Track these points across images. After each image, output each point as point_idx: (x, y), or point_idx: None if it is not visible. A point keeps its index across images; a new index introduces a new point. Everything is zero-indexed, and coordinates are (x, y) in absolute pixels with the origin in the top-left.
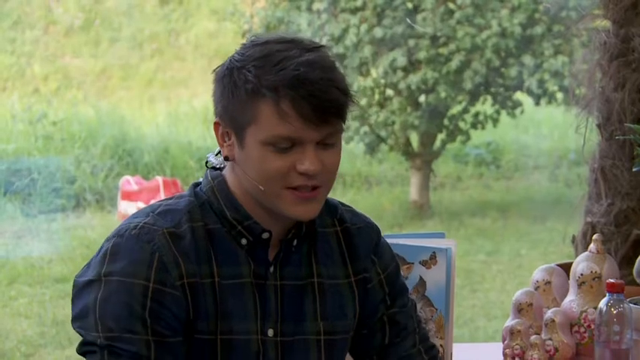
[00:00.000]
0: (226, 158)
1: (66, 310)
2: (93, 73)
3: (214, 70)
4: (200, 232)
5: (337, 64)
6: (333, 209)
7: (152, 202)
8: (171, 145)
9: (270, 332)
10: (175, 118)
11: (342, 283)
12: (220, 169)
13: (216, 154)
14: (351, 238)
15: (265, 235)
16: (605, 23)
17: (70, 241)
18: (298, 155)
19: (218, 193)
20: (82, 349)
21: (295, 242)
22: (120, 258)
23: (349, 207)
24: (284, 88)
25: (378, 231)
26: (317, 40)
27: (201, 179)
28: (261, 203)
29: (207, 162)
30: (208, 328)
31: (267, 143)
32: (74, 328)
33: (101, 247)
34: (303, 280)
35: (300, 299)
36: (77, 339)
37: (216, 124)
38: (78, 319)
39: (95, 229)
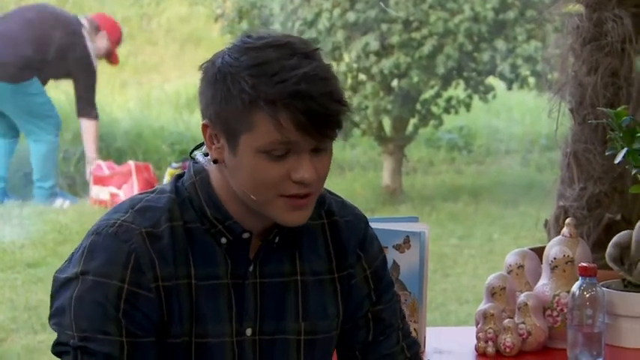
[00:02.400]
0: (215, 161)
1: (38, 295)
2: None
3: (202, 67)
4: (179, 232)
5: (333, 71)
6: (320, 200)
7: (124, 185)
8: (143, 129)
9: (249, 331)
10: (147, 102)
11: (325, 280)
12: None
13: (205, 154)
14: (339, 233)
15: (246, 235)
16: (578, 7)
17: (42, 226)
18: (293, 163)
19: (199, 189)
20: (55, 349)
21: (277, 239)
22: (96, 257)
23: (337, 197)
24: (283, 101)
25: (365, 222)
26: (310, 42)
27: (184, 171)
28: (245, 204)
29: (191, 152)
30: (182, 331)
31: (262, 151)
32: (50, 325)
33: (81, 243)
34: (285, 277)
35: (281, 297)
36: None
37: (204, 126)
38: (55, 317)
39: (67, 214)
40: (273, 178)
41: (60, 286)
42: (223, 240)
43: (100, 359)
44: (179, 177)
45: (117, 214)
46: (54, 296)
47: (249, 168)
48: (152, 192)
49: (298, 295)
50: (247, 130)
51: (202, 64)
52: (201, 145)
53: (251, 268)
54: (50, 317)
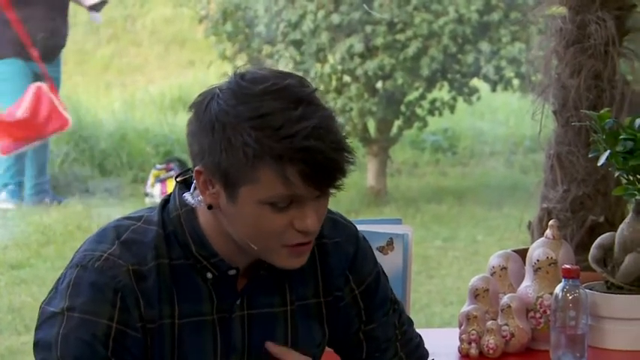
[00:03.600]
0: (210, 207)
1: (22, 297)
2: None
3: (192, 107)
4: (165, 271)
5: (335, 116)
6: None
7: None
8: (127, 131)
9: None
10: (132, 104)
11: (311, 304)
12: (188, 184)
13: (193, 193)
14: (326, 257)
15: (232, 272)
16: (562, 10)
17: (26, 227)
18: (296, 213)
19: (184, 223)
20: None
21: (266, 273)
22: (82, 292)
23: (331, 213)
24: (290, 157)
25: (356, 241)
26: (308, 82)
27: (169, 195)
28: (234, 243)
29: (177, 177)
30: None
31: (265, 203)
32: (35, 356)
33: (65, 274)
34: (274, 307)
35: (270, 329)
36: (34, 325)
37: (198, 172)
38: (40, 351)
39: (51, 215)
40: (277, 229)
41: (46, 319)
42: (209, 275)
43: None
44: (165, 203)
45: (102, 245)
46: (39, 328)
47: (251, 218)
48: (138, 219)
49: (287, 326)
50: (250, 182)
51: (192, 105)
52: (188, 170)
53: (238, 302)
54: (36, 348)
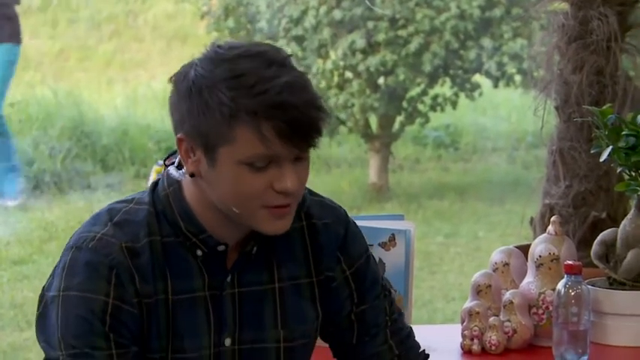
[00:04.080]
0: (192, 174)
1: (24, 293)
2: (51, 54)
3: (172, 79)
4: (157, 248)
5: (308, 79)
6: (301, 201)
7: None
8: (130, 127)
9: (228, 342)
10: (134, 100)
11: (303, 284)
12: (179, 167)
13: (177, 167)
14: (317, 236)
15: (221, 248)
16: (564, 5)
17: (28, 223)
18: (275, 173)
19: (173, 202)
20: None
21: (255, 250)
22: (78, 272)
23: (318, 197)
24: (265, 112)
25: (346, 223)
26: (282, 50)
27: (159, 176)
28: (220, 215)
29: (165, 160)
30: (160, 347)
31: (243, 163)
32: (39, 343)
33: (61, 258)
34: (263, 285)
35: (259, 306)
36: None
37: (179, 140)
38: (43, 335)
39: (53, 211)
40: (256, 190)
41: (47, 304)
42: (199, 252)
43: None
44: (155, 185)
45: (96, 226)
46: (42, 314)
47: (230, 180)
48: (130, 201)
49: (276, 302)
50: (227, 142)
51: (172, 77)
52: (175, 152)
53: (229, 279)
54: (38, 335)
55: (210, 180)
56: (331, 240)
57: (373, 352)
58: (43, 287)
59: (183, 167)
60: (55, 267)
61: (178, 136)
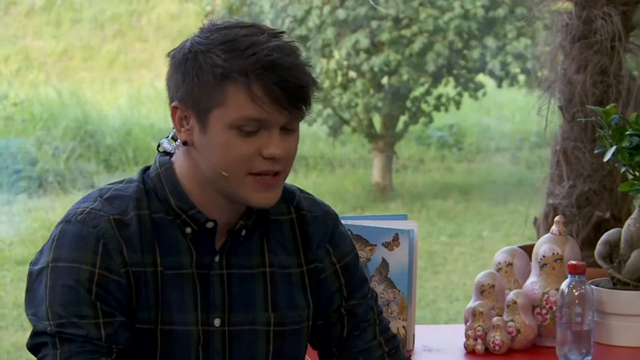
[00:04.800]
0: (185, 143)
1: None
2: (54, 54)
3: (170, 54)
4: (146, 221)
5: (300, 49)
6: (290, 196)
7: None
8: (133, 127)
9: (217, 322)
10: (137, 99)
11: (294, 273)
12: (171, 154)
13: (170, 139)
14: (306, 227)
15: (210, 225)
16: (568, 5)
17: (32, 223)
18: (263, 140)
19: (164, 180)
20: (32, 341)
21: (244, 232)
22: (65, 243)
23: (309, 194)
24: (256, 72)
25: (335, 219)
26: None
27: (151, 164)
28: (210, 192)
29: (159, 146)
30: (149, 318)
31: (233, 126)
32: (28, 316)
33: (51, 233)
34: (253, 268)
35: (250, 288)
36: None
37: (174, 108)
38: (31, 308)
39: (57, 211)
40: (244, 154)
41: (34, 278)
42: (188, 230)
43: (79, 343)
44: (146, 169)
45: (85, 203)
46: (29, 289)
47: (220, 144)
48: (120, 182)
49: (267, 286)
50: (219, 104)
51: (170, 52)
52: (165, 137)
53: (217, 259)
54: (27, 309)
55: (201, 147)
56: (320, 231)
57: (363, 347)
58: (30, 263)
59: (176, 141)
60: (45, 243)
61: (173, 104)
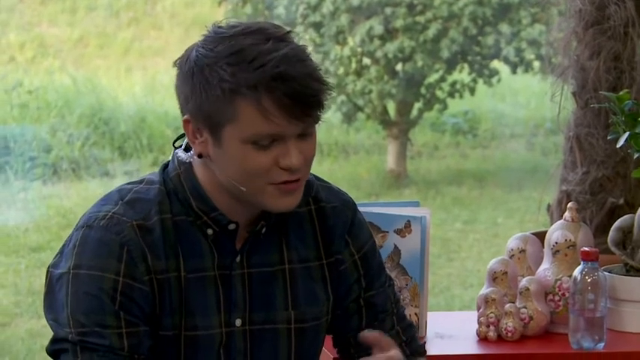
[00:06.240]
0: (199, 155)
1: (42, 280)
2: (69, 41)
3: (176, 63)
4: (168, 225)
5: (309, 52)
6: (308, 186)
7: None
8: (147, 114)
9: (238, 322)
10: (152, 87)
11: (314, 266)
12: (188, 149)
13: (185, 149)
14: (326, 219)
15: (232, 227)
16: None
17: (46, 210)
18: (280, 150)
19: (184, 181)
20: (52, 347)
21: (264, 230)
22: (88, 250)
23: (326, 183)
24: (265, 86)
25: (354, 209)
26: (282, 26)
27: (169, 160)
28: (230, 197)
29: (174, 142)
30: (173, 324)
31: (247, 141)
32: (48, 321)
33: (71, 236)
34: (273, 267)
35: (270, 287)
36: None
37: (186, 122)
38: (51, 313)
39: (71, 198)
40: (261, 167)
41: (54, 282)
42: (209, 231)
43: (101, 352)
44: (165, 166)
45: (106, 206)
46: (49, 292)
47: (236, 159)
48: (140, 182)
49: (287, 283)
50: (231, 120)
51: (176, 60)
52: (184, 135)
53: (238, 259)
54: (46, 314)
55: (217, 160)
56: (340, 223)
57: None
58: (49, 265)
59: (190, 149)
60: (64, 245)
61: (184, 118)
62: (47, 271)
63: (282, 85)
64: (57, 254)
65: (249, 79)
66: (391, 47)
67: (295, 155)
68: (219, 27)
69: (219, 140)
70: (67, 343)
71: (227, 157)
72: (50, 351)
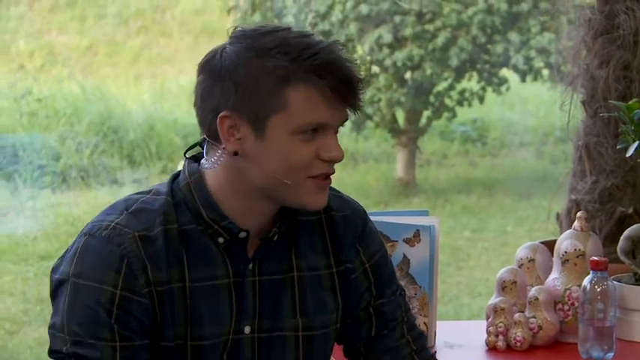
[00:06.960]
0: (235, 153)
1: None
2: (78, 49)
3: (201, 64)
4: (173, 235)
5: None
6: None
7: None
8: (156, 122)
9: (247, 329)
10: (161, 95)
11: (323, 275)
12: (199, 159)
13: (207, 156)
14: (336, 228)
15: (242, 235)
16: (591, 0)
17: (55, 219)
18: (321, 142)
19: (195, 191)
20: (50, 357)
21: (276, 238)
22: (88, 259)
23: (337, 192)
24: (317, 73)
25: (364, 218)
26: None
27: (179, 171)
28: (248, 201)
29: (185, 152)
30: (176, 335)
31: (297, 132)
32: (49, 324)
33: (73, 243)
34: (283, 274)
35: (278, 295)
36: None
37: (222, 118)
38: (52, 317)
39: (80, 206)
40: (305, 159)
41: (55, 286)
42: (220, 239)
43: None
44: (175, 177)
45: (111, 215)
46: (54, 294)
47: (281, 151)
48: (148, 192)
49: (295, 291)
50: (279, 110)
51: (201, 62)
52: (195, 145)
53: (250, 267)
54: (51, 318)
55: (256, 156)
56: (350, 232)
57: (392, 345)
58: (52, 268)
59: (200, 160)
60: (67, 250)
61: (222, 114)
62: (51, 273)
63: (334, 72)
64: (60, 257)
65: (305, 66)
66: (400, 55)
67: (337, 147)
68: (243, 29)
69: (263, 133)
70: (62, 354)
71: (270, 150)
72: None
